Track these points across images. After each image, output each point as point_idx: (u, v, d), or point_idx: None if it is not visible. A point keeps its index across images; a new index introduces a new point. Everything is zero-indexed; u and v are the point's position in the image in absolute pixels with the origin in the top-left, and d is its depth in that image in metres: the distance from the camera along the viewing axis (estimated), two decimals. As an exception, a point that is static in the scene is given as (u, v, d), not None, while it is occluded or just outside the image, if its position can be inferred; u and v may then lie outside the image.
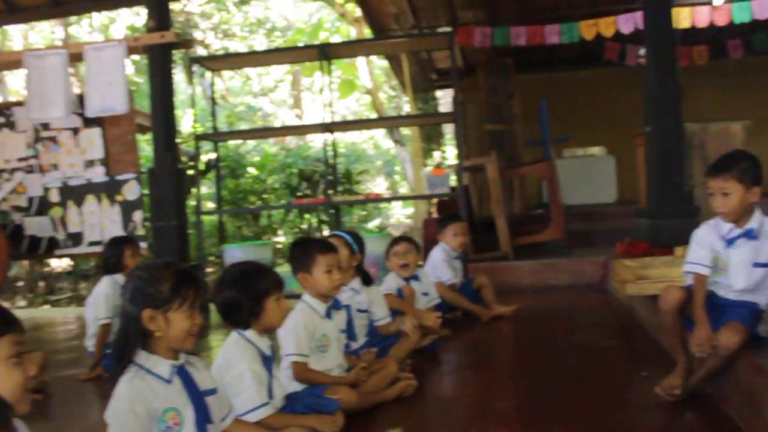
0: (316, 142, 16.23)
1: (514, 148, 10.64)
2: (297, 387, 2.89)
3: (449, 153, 17.18)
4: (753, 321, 2.70)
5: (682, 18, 9.02)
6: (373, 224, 16.72)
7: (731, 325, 2.60)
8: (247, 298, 2.50)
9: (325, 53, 6.83)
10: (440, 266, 5.04)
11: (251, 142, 15.57)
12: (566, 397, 3.10)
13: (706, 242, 2.86)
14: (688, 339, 2.89)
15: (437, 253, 5.13)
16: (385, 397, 3.08)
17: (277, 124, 22.70)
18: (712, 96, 11.89)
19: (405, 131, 16.42)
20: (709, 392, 2.87)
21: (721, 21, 9.11)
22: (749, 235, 2.76)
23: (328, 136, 6.94)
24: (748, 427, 2.48)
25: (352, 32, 17.68)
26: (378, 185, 22.66)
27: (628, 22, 8.93)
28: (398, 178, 22.00)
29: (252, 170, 12.48)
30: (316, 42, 18.29)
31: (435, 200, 9.39)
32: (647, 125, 6.08)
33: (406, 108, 13.55)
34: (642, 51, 7.67)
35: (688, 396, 2.81)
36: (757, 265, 2.75)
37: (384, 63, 16.23)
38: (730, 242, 2.80)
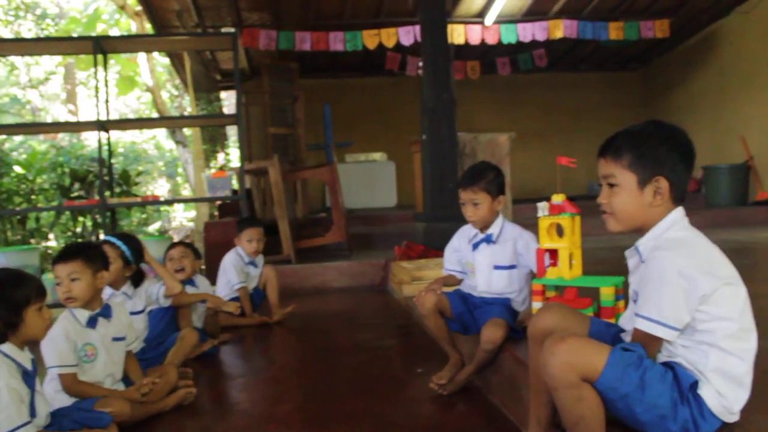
0: (91, 140, 15.34)
1: (298, 152, 10.73)
2: (64, 402, 2.68)
3: (233, 155, 16.94)
4: (510, 316, 2.95)
5: (457, 34, 9.59)
6: (153, 227, 16.08)
7: (493, 321, 2.81)
8: (3, 308, 2.29)
9: (101, 46, 6.47)
10: (228, 270, 4.93)
11: (17, 138, 14.38)
12: (347, 395, 3.16)
13: (454, 247, 3.19)
14: (454, 338, 3.09)
15: (229, 257, 5.01)
16: (164, 406, 2.96)
17: (47, 119, 21.16)
18: (482, 108, 12.76)
19: (188, 132, 15.96)
20: (478, 385, 3.07)
21: (491, 40, 9.80)
22: (489, 239, 3.02)
23: (103, 135, 6.58)
24: (511, 413, 2.68)
25: (132, 26, 16.89)
26: (160, 187, 21.86)
27: (408, 35, 9.34)
28: (181, 180, 21.35)
29: (18, 169, 11.50)
30: (92, 34, 17.31)
31: (218, 203, 9.22)
32: (423, 133, 6.38)
33: (190, 108, 13.20)
34: (421, 62, 8.08)
35: (461, 390, 2.99)
36: (497, 267, 3.02)
37: (167, 61, 15.67)
38: (475, 246, 3.07)
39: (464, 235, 3.17)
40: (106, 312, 2.93)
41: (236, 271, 4.92)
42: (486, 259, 3.03)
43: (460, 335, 3.16)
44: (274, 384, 3.56)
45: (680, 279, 1.66)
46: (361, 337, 4.49)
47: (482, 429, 2.64)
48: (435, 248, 5.85)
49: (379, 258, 6.68)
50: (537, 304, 2.61)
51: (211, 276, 5.11)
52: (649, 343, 1.72)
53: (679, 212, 1.81)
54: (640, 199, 1.80)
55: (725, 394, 1.68)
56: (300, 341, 4.60)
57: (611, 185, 1.85)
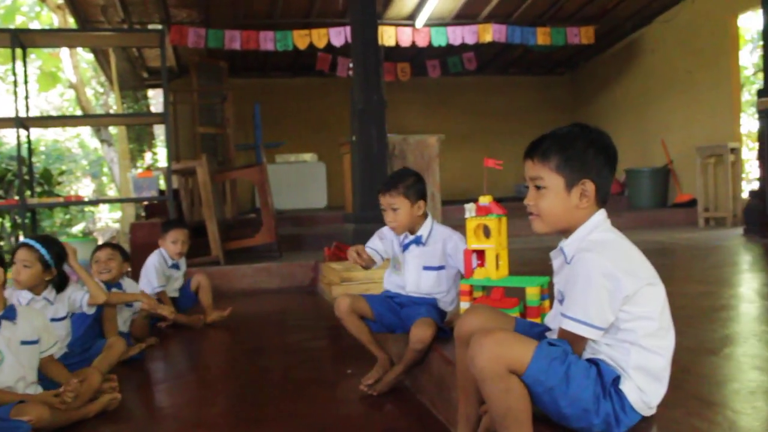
0: (10, 137, 14.81)
1: (227, 152, 10.59)
2: (-25, 413, 2.57)
3: (161, 155, 16.62)
4: (438, 315, 2.99)
5: (387, 36, 9.62)
6: (77, 229, 15.65)
7: (423, 321, 2.84)
8: None
9: (20, 40, 6.26)
10: (150, 272, 4.84)
11: (-71, 135, 13.78)
12: (276, 397, 3.14)
13: (383, 235, 3.25)
14: (379, 338, 3.11)
15: (151, 259, 4.92)
16: (87, 413, 2.86)
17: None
18: (412, 110, 12.83)
19: (114, 130, 15.57)
20: (407, 385, 3.09)
21: (421, 42, 9.86)
22: (418, 241, 3.07)
23: (23, 132, 6.36)
24: (440, 412, 2.71)
25: (54, 20, 16.37)
26: (84, 187, 21.27)
27: (339, 36, 9.32)
28: (106, 180, 20.83)
29: (-70, 167, 11.03)
30: (11, 26, 16.71)
31: (145, 204, 9.02)
32: (353, 134, 6.38)
33: (116, 106, 12.86)
34: (351, 64, 8.10)
35: (390, 390, 3.01)
36: (426, 268, 3.06)
37: (91, 57, 15.25)
38: (405, 247, 3.11)
39: (394, 233, 3.20)
40: (9, 314, 2.78)
41: (157, 274, 4.84)
42: (415, 260, 3.07)
43: (389, 335, 3.18)
44: (202, 387, 3.51)
45: (605, 280, 1.69)
46: (291, 338, 4.47)
47: (411, 429, 2.65)
48: (365, 249, 5.85)
49: (308, 259, 6.67)
50: (465, 304, 2.64)
51: (137, 278, 4.99)
52: (575, 342, 1.76)
53: (601, 214, 1.85)
54: (567, 202, 1.82)
55: (645, 389, 1.74)
56: (229, 343, 4.55)
57: (538, 187, 1.86)
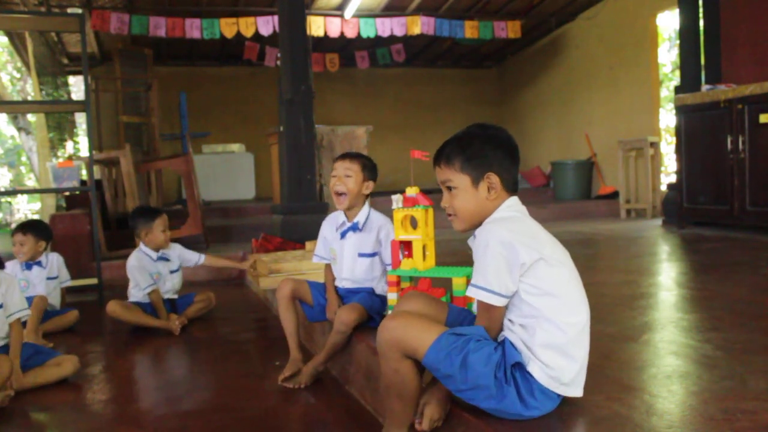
0: None
1: (152, 142, 10.37)
2: None
3: (83, 144, 16.14)
4: (372, 302, 3.02)
5: (316, 26, 9.57)
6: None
7: (349, 305, 2.90)
8: None
9: (-71, 23, 5.98)
10: (134, 274, 4.43)
11: None
12: (203, 391, 3.11)
13: (323, 235, 3.27)
14: (299, 335, 3.15)
15: (130, 261, 4.46)
16: None
17: None
18: (341, 101, 12.81)
19: (32, 118, 15.04)
20: (335, 376, 3.10)
21: (350, 33, 9.84)
22: (355, 228, 3.11)
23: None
24: (368, 402, 2.72)
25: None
26: (1, 176, 20.55)
27: (267, 25, 9.22)
28: (25, 170, 20.16)
29: None
30: None
31: (66, 194, 8.76)
32: (281, 125, 6.34)
33: (34, 93, 12.41)
34: (279, 53, 8.00)
35: (318, 380, 3.01)
36: (361, 255, 3.10)
37: (6, 40, 14.67)
38: (342, 234, 3.14)
39: (332, 223, 3.24)
40: None
41: (142, 273, 4.40)
42: (352, 247, 3.11)
43: (318, 326, 3.17)
44: (125, 383, 3.42)
45: (501, 248, 1.78)
46: (219, 331, 4.43)
47: (340, 420, 2.65)
48: (292, 240, 5.84)
49: (236, 251, 6.59)
50: (392, 295, 2.65)
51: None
52: (489, 312, 1.85)
53: (512, 200, 1.96)
54: (477, 196, 1.93)
55: (550, 364, 1.79)
56: (154, 337, 4.44)
57: (450, 188, 1.97)
